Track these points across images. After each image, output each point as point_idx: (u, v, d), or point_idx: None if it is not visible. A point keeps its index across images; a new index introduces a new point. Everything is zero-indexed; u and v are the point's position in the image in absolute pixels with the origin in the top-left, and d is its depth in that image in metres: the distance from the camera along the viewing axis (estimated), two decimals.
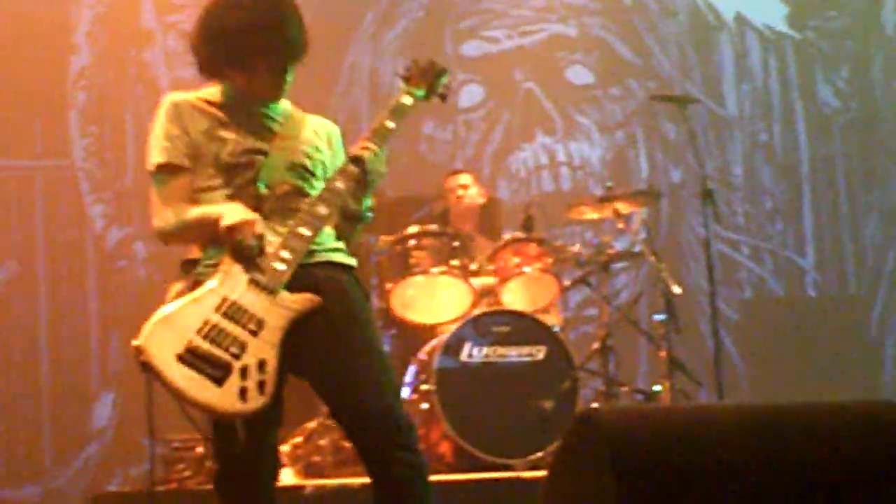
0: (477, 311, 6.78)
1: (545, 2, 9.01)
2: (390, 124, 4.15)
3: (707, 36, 9.28)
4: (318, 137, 4.22)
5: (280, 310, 3.82)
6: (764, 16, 9.35)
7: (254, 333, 3.77)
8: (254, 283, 3.81)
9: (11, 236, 8.02)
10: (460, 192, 7.65)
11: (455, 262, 7.04)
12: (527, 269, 7.08)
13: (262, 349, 3.76)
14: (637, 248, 7.58)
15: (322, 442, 6.57)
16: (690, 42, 9.23)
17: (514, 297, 7.05)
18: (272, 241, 3.88)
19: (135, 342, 3.69)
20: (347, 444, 6.60)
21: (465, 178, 7.69)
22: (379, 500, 3.94)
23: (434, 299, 7.04)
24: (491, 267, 7.14)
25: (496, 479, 6.19)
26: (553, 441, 6.50)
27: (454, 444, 6.39)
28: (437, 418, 6.39)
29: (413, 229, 7.13)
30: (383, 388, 3.94)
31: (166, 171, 3.98)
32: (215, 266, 3.90)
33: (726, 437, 2.88)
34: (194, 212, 3.94)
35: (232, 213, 3.85)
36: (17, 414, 7.86)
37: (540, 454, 6.47)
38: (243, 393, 3.71)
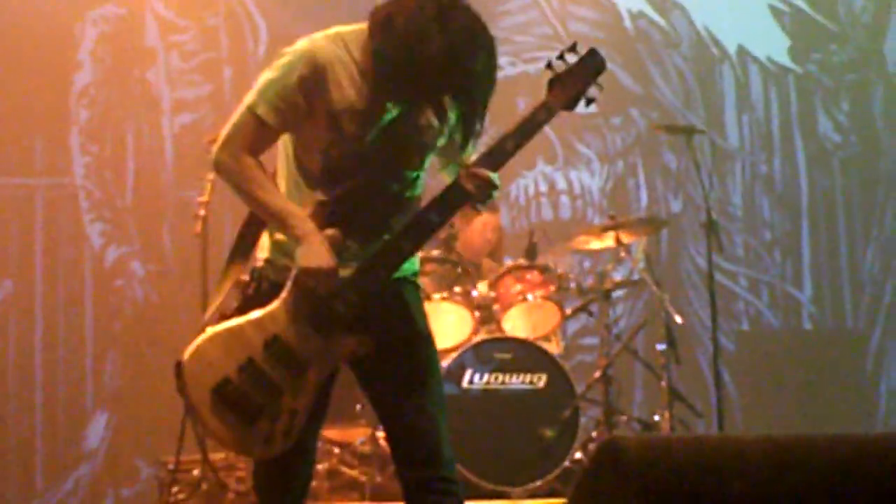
0: (478, 338, 6.76)
1: (550, 29, 9.01)
2: (510, 146, 3.81)
3: (709, 67, 9.28)
4: (436, 116, 3.83)
5: (329, 355, 3.72)
6: (766, 48, 9.36)
7: (294, 377, 3.67)
8: (311, 322, 3.68)
9: (9, 254, 7.98)
10: (490, 233, 7.59)
11: (457, 289, 7.02)
12: (529, 296, 7.06)
13: (297, 397, 3.67)
14: (637, 277, 7.57)
15: (319, 467, 6.53)
16: (692, 72, 9.23)
17: (516, 325, 7.04)
18: (343, 272, 3.68)
19: (179, 359, 3.61)
20: (344, 470, 6.58)
21: (491, 221, 7.63)
22: None
23: (435, 325, 6.96)
24: (492, 294, 7.11)
25: None
26: (553, 469, 6.50)
27: None
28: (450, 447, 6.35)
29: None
30: (435, 418, 3.84)
31: (261, 122, 3.69)
32: (271, 263, 3.80)
33: (752, 467, 2.86)
34: (274, 201, 3.71)
35: (313, 253, 3.64)
36: (10, 434, 7.81)
37: (539, 482, 6.48)
38: (268, 439, 3.65)
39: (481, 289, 7.10)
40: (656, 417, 7.24)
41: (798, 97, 9.35)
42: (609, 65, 9.06)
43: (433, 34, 3.57)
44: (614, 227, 7.34)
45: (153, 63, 8.31)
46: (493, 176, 3.76)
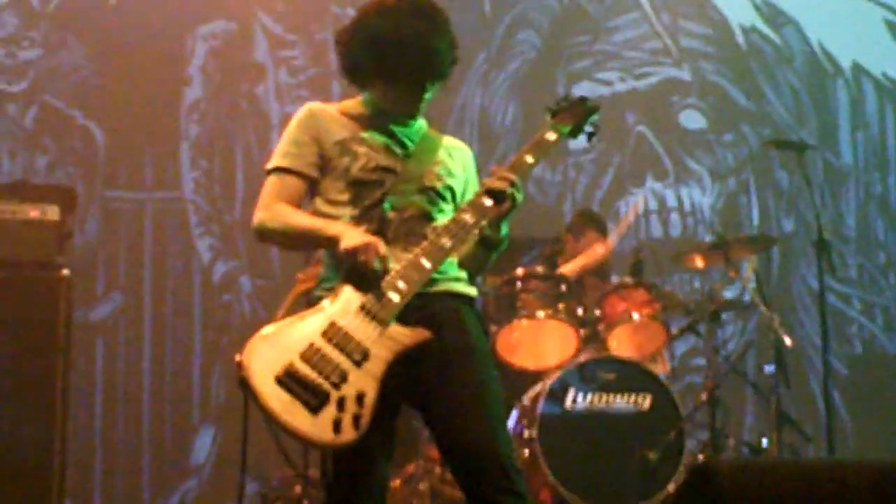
0: (583, 357, 6.70)
1: (660, 45, 8.94)
2: (530, 159, 4.02)
3: (823, 83, 9.15)
4: (451, 160, 4.16)
5: (388, 342, 3.73)
6: (882, 64, 9.21)
7: (357, 363, 3.68)
8: (365, 310, 3.73)
9: (119, 268, 8.07)
10: (601, 252, 7.56)
11: (561, 307, 6.97)
12: (634, 315, 7.00)
13: (364, 381, 3.67)
14: (747, 298, 7.49)
15: (421, 486, 6.51)
16: (806, 89, 9.11)
17: (621, 344, 6.97)
18: (392, 267, 3.79)
19: (238, 357, 3.65)
20: (447, 489, 6.55)
21: (594, 236, 7.60)
22: None
23: (539, 344, 6.97)
24: (598, 312, 7.06)
25: None
26: (657, 492, 6.40)
27: (554, 493, 6.30)
28: (538, 465, 6.31)
29: (520, 272, 7.08)
30: (493, 429, 3.83)
31: (283, 172, 3.98)
32: (332, 290, 3.84)
33: (852, 493, 2.79)
34: (305, 220, 3.94)
35: (352, 234, 3.79)
36: (117, 447, 7.89)
37: None
38: (337, 425, 3.62)
39: (587, 306, 7.06)
40: (764, 442, 7.15)
41: None
42: (720, 80, 8.99)
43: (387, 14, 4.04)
44: (723, 246, 7.26)
45: (262, 78, 8.37)
46: (514, 176, 3.92)
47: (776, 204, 8.94)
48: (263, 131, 8.29)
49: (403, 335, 3.75)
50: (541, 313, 6.92)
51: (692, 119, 8.95)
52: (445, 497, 6.55)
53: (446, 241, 3.84)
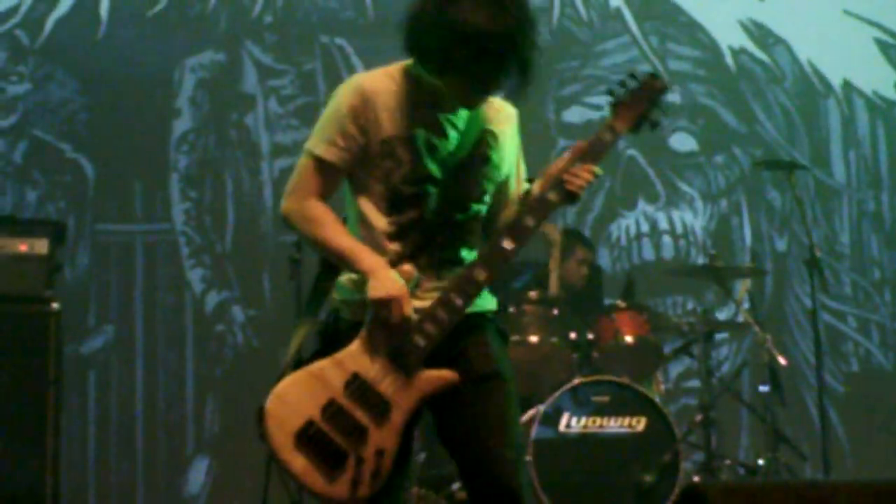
0: (576, 381, 6.68)
1: (649, 68, 8.94)
2: (592, 163, 3.77)
3: (814, 102, 9.15)
4: (497, 146, 3.86)
5: (411, 391, 3.65)
6: (872, 82, 9.21)
7: (377, 418, 3.60)
8: (390, 357, 3.63)
9: (110, 300, 8.07)
10: (585, 268, 7.58)
11: (553, 330, 6.97)
12: (627, 337, 7.00)
13: (383, 436, 3.61)
14: (740, 318, 7.49)
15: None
16: (797, 108, 9.11)
17: (614, 367, 6.95)
18: (420, 305, 3.66)
19: (260, 405, 3.55)
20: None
21: (583, 254, 7.62)
22: None
23: (532, 368, 6.96)
24: (590, 335, 7.06)
25: None
26: None
27: None
28: (533, 490, 6.28)
29: (513, 296, 7.08)
30: (509, 458, 3.74)
31: (321, 162, 3.71)
32: (354, 306, 3.75)
33: None
34: (338, 240, 3.70)
35: (381, 282, 3.62)
36: (111, 478, 7.88)
37: None
38: (355, 484, 3.57)
39: (579, 330, 7.06)
40: (760, 462, 7.14)
41: None
42: (710, 102, 8.97)
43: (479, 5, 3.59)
44: (715, 269, 7.27)
45: (251, 108, 8.38)
46: (595, 168, 3.76)
47: (769, 223, 8.93)
48: (253, 161, 8.30)
49: (428, 383, 3.66)
50: (533, 338, 6.92)
51: (682, 142, 8.95)
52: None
53: (480, 274, 3.71)
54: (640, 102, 3.90)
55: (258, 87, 8.42)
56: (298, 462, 3.55)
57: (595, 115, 8.72)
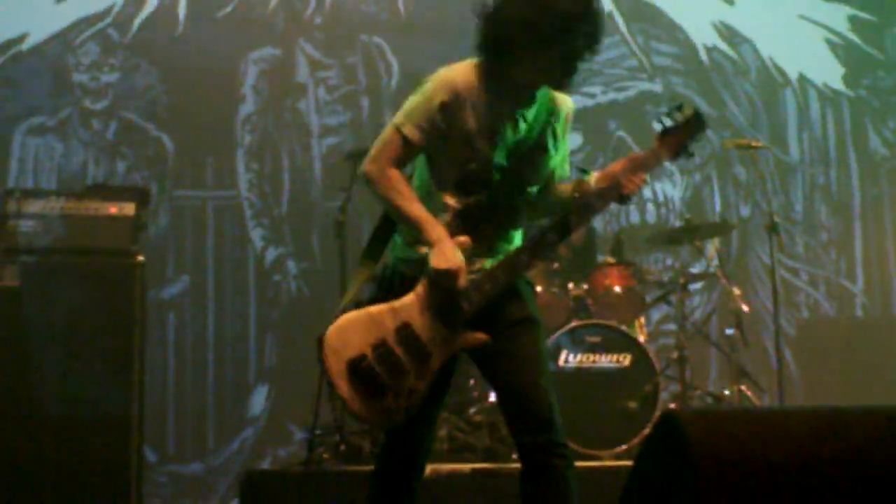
0: (573, 324, 6.67)
1: (636, 63, 8.88)
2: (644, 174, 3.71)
3: (774, 92, 9.08)
4: (555, 135, 3.80)
5: (450, 345, 3.64)
6: (823, 76, 9.14)
7: (418, 363, 3.60)
8: (438, 314, 3.61)
9: (186, 255, 8.05)
10: (576, 236, 7.53)
11: (555, 282, 6.96)
12: (616, 288, 6.97)
13: (419, 379, 3.60)
14: (710, 272, 7.46)
15: (440, 433, 6.49)
16: (759, 97, 9.04)
17: (605, 312, 6.93)
18: (470, 277, 3.62)
19: (321, 334, 3.55)
20: (460, 435, 6.53)
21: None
22: (529, 488, 3.71)
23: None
24: (585, 286, 7.03)
25: (587, 467, 6.07)
26: (635, 436, 6.40)
27: None
28: (559, 415, 6.29)
29: None
30: (544, 389, 3.73)
31: (405, 139, 3.66)
32: (403, 261, 3.74)
33: (795, 436, 2.75)
34: (411, 208, 3.64)
35: (445, 254, 3.57)
36: (187, 402, 7.89)
37: (624, 447, 6.40)
38: (390, 412, 3.58)
39: (576, 282, 7.04)
40: (726, 392, 7.15)
41: (851, 118, 9.12)
42: (687, 91, 8.85)
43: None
44: (691, 230, 7.24)
45: (304, 95, 8.34)
46: (646, 177, 3.72)
47: (735, 194, 8.88)
48: (305, 139, 8.27)
49: (465, 341, 3.65)
50: (538, 288, 6.88)
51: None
52: (459, 441, 6.53)
53: (524, 258, 3.67)
54: (683, 135, 3.80)
55: (309, 78, 8.38)
56: (346, 387, 3.55)
57: (590, 101, 8.65)
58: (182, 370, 7.93)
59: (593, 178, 3.80)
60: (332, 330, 3.57)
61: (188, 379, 7.92)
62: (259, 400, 7.98)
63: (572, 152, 8.36)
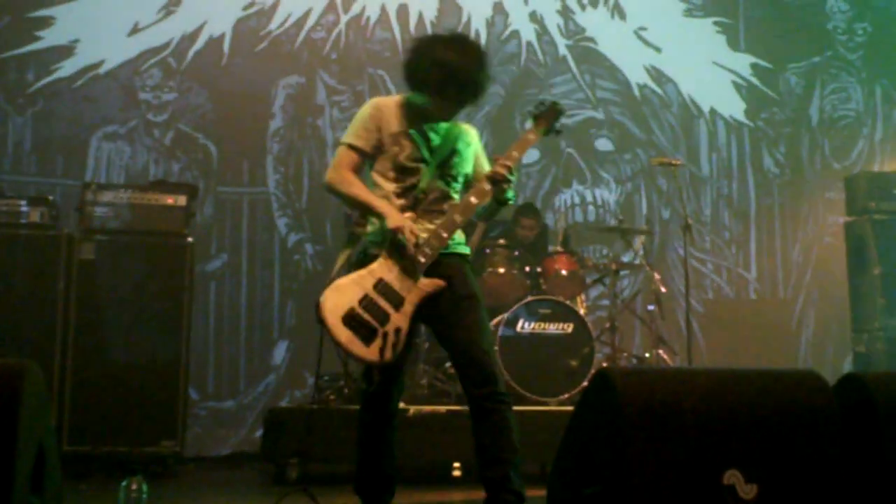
0: (528, 298, 6.70)
1: (583, 95, 8.90)
2: (516, 154, 3.85)
3: (690, 122, 9.10)
4: (465, 146, 3.98)
5: (417, 290, 3.71)
6: (729, 110, 9.16)
7: (396, 307, 3.67)
8: (403, 269, 3.70)
9: (225, 238, 8.04)
10: (526, 232, 7.53)
11: (516, 265, 6.97)
12: (563, 271, 7.00)
13: (400, 320, 3.67)
14: (637, 261, 7.48)
15: (422, 381, 6.51)
16: (679, 125, 9.06)
17: (554, 290, 6.96)
18: (420, 237, 3.74)
19: (317, 300, 3.63)
20: (438, 383, 6.55)
21: (529, 223, 7.55)
22: (479, 427, 3.79)
23: (500, 289, 6.96)
24: (539, 269, 7.05)
25: (537, 411, 6.11)
26: (575, 388, 6.42)
27: (509, 387, 6.26)
28: (499, 370, 6.29)
29: (487, 242, 7.07)
30: (485, 345, 3.81)
31: (352, 147, 3.83)
32: (377, 244, 3.80)
33: (700, 389, 2.79)
34: (362, 193, 3.80)
35: (395, 216, 3.73)
36: (223, 353, 7.88)
37: (566, 396, 6.41)
38: (381, 351, 3.63)
39: (532, 265, 7.05)
40: (647, 355, 7.17)
41: (750, 143, 9.14)
42: (623, 119, 8.81)
43: (452, 46, 3.80)
44: (622, 228, 7.27)
45: (321, 114, 8.33)
46: (509, 163, 3.80)
47: (658, 200, 8.90)
48: (321, 150, 8.25)
49: (427, 286, 3.73)
50: (501, 269, 6.92)
51: (604, 144, 8.90)
52: (438, 389, 6.55)
53: (458, 218, 3.79)
54: (549, 118, 3.99)
55: (326, 101, 8.36)
56: (344, 335, 3.61)
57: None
58: (220, 328, 7.91)
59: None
60: (326, 294, 3.66)
61: (225, 335, 7.91)
62: (280, 352, 7.98)
63: (530, 165, 8.51)
